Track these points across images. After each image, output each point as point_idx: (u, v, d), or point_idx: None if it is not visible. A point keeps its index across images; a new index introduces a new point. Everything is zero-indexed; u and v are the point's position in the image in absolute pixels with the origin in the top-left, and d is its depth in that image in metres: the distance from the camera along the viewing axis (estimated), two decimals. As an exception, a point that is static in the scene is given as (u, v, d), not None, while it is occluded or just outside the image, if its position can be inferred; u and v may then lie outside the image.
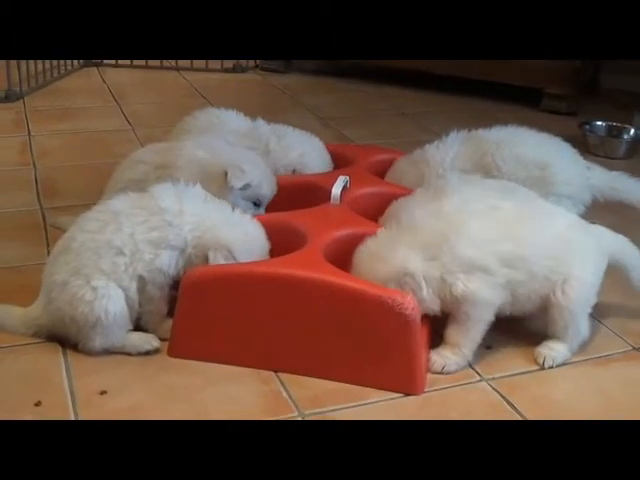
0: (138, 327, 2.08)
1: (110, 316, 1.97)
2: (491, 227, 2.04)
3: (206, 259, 2.04)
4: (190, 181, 2.19)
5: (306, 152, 2.75)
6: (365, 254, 2.06)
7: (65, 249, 2.04)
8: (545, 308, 2.08)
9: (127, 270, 2.00)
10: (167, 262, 2.03)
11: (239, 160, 2.40)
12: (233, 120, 2.82)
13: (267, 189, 2.46)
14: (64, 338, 2.04)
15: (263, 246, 2.14)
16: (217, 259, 2.03)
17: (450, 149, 2.65)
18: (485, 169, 2.54)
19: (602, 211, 2.66)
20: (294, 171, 2.70)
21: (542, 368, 2.06)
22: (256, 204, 2.43)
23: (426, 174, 2.62)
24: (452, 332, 2.04)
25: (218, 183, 2.34)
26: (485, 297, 1.99)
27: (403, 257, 1.99)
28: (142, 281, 2.03)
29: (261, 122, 2.82)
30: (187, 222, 2.04)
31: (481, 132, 2.70)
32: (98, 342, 2.00)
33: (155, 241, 2.02)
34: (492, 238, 2.01)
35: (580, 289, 2.06)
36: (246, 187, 2.38)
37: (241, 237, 2.08)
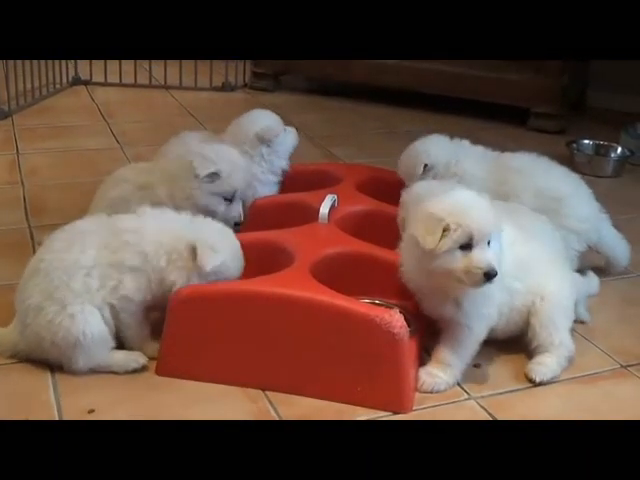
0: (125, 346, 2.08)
1: (88, 338, 1.96)
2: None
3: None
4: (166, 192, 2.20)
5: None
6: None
7: (34, 271, 2.02)
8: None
9: (99, 291, 1.99)
10: (130, 287, 2.00)
11: (207, 150, 2.35)
12: (194, 143, 2.70)
13: (238, 181, 2.37)
14: (43, 361, 2.03)
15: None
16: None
17: None
18: (503, 197, 2.50)
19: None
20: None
21: (532, 384, 2.07)
22: (227, 199, 2.36)
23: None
24: (445, 350, 2.04)
25: (186, 177, 2.30)
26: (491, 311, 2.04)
27: None
28: (114, 309, 2.01)
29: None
30: (147, 238, 2.02)
31: (504, 157, 2.68)
32: (82, 363, 1.99)
33: (116, 264, 1.99)
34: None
35: (557, 297, 2.12)
36: (213, 177, 2.33)
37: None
